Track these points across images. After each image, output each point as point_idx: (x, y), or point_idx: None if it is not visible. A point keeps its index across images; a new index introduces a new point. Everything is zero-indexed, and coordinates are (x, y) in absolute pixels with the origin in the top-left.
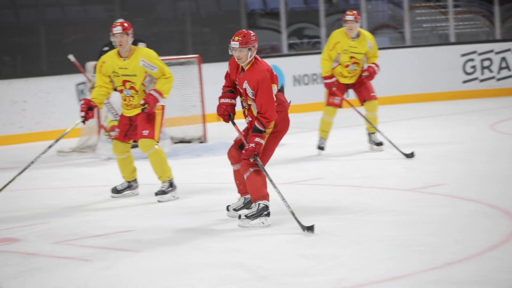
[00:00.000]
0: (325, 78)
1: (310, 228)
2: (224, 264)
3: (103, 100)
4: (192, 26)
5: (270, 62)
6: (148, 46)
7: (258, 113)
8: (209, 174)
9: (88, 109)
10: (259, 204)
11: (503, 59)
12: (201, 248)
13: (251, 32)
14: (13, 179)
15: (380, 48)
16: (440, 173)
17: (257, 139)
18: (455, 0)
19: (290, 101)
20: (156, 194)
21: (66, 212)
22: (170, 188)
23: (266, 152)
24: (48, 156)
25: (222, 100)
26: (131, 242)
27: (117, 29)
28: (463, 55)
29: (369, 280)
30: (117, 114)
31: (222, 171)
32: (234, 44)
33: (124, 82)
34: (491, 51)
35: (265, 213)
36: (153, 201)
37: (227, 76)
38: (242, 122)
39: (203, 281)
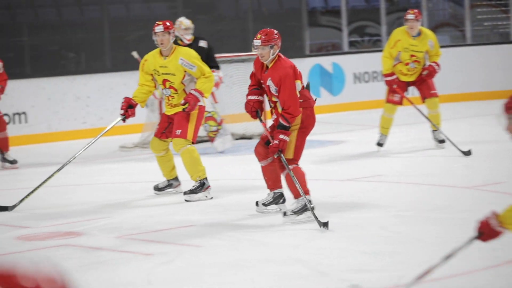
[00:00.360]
0: (386, 75)
1: (325, 224)
2: (284, 260)
3: (144, 99)
4: (253, 23)
5: (331, 59)
6: (209, 44)
7: (282, 109)
8: None
9: (128, 107)
10: (302, 199)
11: None
12: (261, 243)
13: (274, 30)
14: (52, 175)
15: (440, 47)
16: (500, 171)
17: (281, 136)
18: None
19: (316, 99)
20: (185, 193)
21: (128, 206)
22: (200, 188)
23: (297, 149)
24: (110, 152)
25: (250, 97)
26: (192, 237)
27: (159, 28)
28: None
29: (429, 277)
30: None
31: None
32: (257, 42)
33: (164, 81)
34: None
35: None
36: (214, 196)
37: (252, 75)
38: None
39: (263, 276)
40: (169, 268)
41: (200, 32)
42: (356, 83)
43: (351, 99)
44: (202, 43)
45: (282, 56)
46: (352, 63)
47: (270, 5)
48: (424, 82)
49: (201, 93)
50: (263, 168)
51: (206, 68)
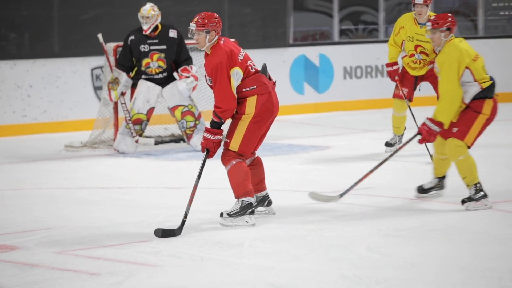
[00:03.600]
0: (387, 65)
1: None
2: (256, 284)
3: None
4: (229, 5)
5: (318, 50)
6: (179, 33)
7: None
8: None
9: None
10: (242, 201)
11: None
12: (229, 264)
13: (214, 14)
14: None
15: None
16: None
17: (204, 134)
18: None
19: (275, 81)
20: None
21: (72, 216)
22: None
23: (246, 142)
24: (55, 151)
25: None
26: (148, 254)
27: None
28: None
29: None
30: (126, 111)
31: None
32: (192, 26)
33: None
34: None
35: (250, 210)
36: (174, 207)
37: None
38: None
39: None
40: None
41: (167, 13)
42: (346, 78)
43: (339, 97)
44: (172, 33)
45: (223, 40)
46: (342, 56)
47: None
48: (436, 79)
49: None
50: (228, 173)
51: None
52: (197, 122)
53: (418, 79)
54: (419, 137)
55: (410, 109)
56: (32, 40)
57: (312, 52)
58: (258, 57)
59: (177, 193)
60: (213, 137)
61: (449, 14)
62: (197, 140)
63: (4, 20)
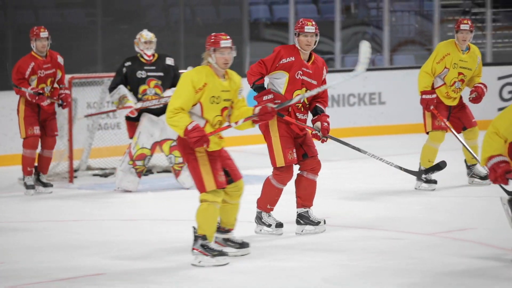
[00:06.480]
0: (424, 93)
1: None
2: None
3: None
4: (186, 35)
5: None
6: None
7: (319, 97)
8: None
9: None
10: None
11: None
12: None
13: None
14: None
15: (404, 68)
16: (474, 217)
17: (328, 119)
18: (495, 14)
19: None
20: None
21: (27, 250)
22: None
23: None
24: (9, 184)
25: (271, 105)
26: (101, 286)
27: None
28: (501, 78)
29: None
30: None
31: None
32: (311, 29)
33: None
34: None
35: None
36: (129, 240)
37: (266, 67)
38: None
39: None
40: None
41: (122, 44)
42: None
43: None
44: (169, 61)
45: None
46: None
47: (205, 15)
48: (462, 109)
49: None
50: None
51: None
52: None
53: (451, 109)
54: None
55: (457, 136)
56: None
57: None
58: None
59: (132, 225)
60: None
61: None
62: (185, 177)
63: None
